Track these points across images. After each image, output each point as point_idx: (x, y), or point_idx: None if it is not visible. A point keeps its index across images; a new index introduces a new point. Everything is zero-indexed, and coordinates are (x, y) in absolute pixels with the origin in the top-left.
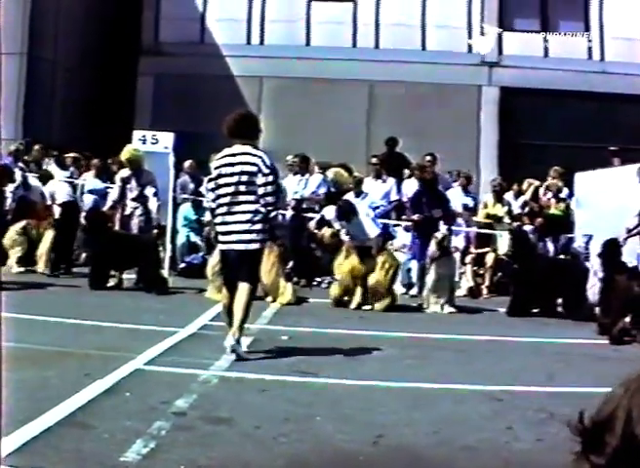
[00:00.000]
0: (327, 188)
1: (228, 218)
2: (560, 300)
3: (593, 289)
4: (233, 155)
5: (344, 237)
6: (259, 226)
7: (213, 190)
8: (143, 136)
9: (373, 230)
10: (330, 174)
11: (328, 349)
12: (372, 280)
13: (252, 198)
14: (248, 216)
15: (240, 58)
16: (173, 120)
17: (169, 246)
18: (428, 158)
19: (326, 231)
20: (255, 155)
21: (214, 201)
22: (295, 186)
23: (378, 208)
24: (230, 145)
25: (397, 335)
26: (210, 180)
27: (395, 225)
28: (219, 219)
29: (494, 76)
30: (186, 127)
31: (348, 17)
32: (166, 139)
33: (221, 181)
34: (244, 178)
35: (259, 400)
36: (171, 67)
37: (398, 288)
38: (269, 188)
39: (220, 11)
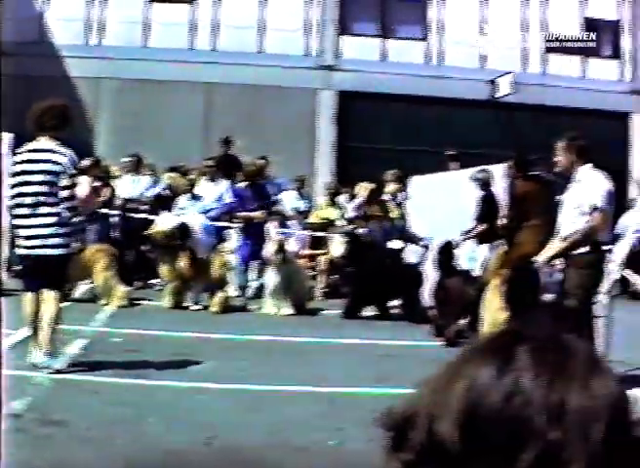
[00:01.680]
0: (158, 191)
1: (31, 221)
2: (396, 302)
3: (428, 291)
4: (36, 151)
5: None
6: (64, 230)
7: (13, 187)
8: None
9: (208, 242)
10: (165, 177)
11: (161, 351)
12: (206, 280)
13: (56, 200)
14: (53, 219)
15: (78, 58)
16: (12, 121)
17: (5, 247)
18: (261, 161)
19: (156, 229)
20: (61, 153)
21: (12, 199)
22: (126, 187)
23: (211, 210)
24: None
25: (230, 337)
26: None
27: (228, 228)
28: (20, 221)
29: (331, 79)
30: (27, 129)
31: (186, 18)
32: (3, 141)
33: (22, 179)
34: (48, 178)
35: (92, 402)
36: (10, 68)
37: (233, 290)
38: (74, 191)
39: (60, 10)
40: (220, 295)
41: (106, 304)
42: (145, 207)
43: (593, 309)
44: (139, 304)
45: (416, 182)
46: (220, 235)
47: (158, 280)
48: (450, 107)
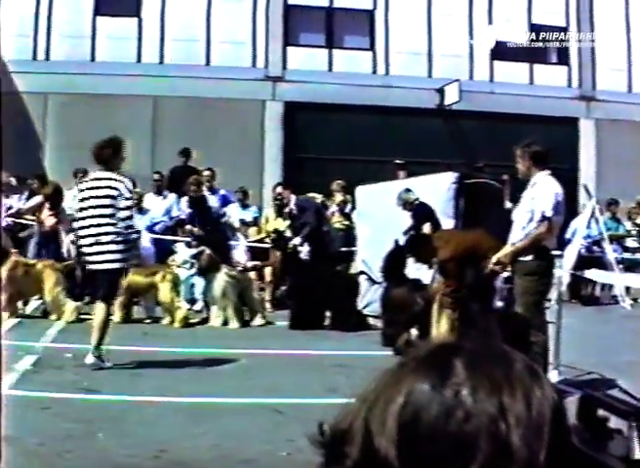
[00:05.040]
0: None
1: (94, 239)
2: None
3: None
4: (97, 179)
5: None
6: (120, 246)
7: (78, 211)
8: None
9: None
10: None
11: (110, 366)
12: (160, 295)
13: (113, 220)
14: (111, 237)
15: (26, 74)
16: None
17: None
18: (207, 173)
19: None
20: (117, 180)
21: (76, 221)
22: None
23: (158, 224)
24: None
25: (179, 351)
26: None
27: (176, 241)
28: (87, 241)
29: (278, 91)
30: None
31: (133, 32)
32: None
33: (86, 204)
34: (107, 202)
35: (42, 417)
36: None
37: (182, 303)
38: (129, 212)
39: (6, 25)
40: (180, 310)
41: (57, 320)
42: None
43: (545, 315)
44: (88, 319)
45: (363, 192)
46: (169, 248)
47: None
48: (397, 116)
